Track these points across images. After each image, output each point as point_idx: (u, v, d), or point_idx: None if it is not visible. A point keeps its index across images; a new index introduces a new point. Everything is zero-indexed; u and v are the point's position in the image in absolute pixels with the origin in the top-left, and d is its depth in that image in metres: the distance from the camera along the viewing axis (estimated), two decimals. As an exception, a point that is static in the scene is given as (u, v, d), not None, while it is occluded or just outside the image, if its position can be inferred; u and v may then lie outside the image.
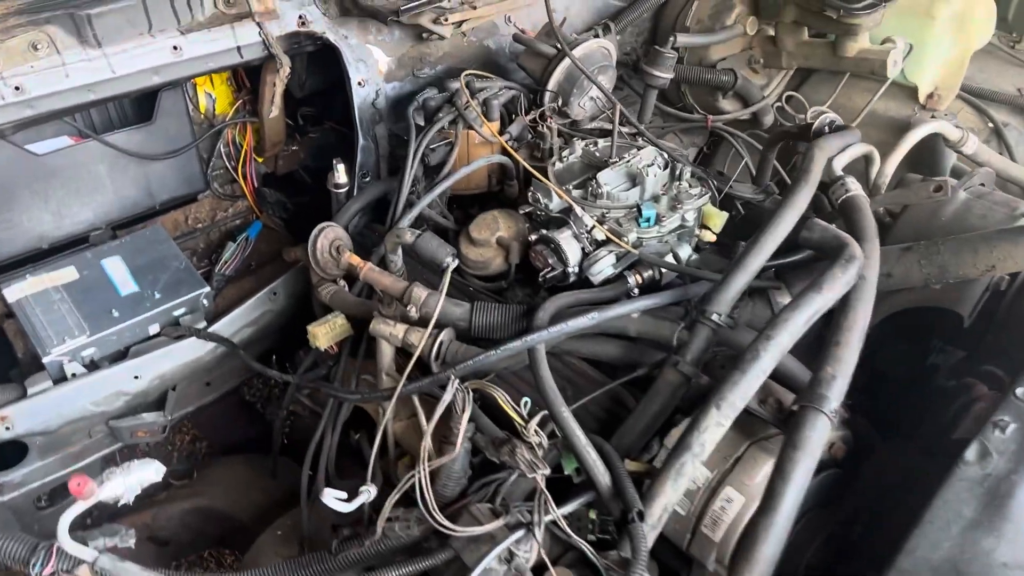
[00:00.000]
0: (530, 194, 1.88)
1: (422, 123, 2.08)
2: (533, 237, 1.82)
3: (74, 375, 2.03)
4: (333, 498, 1.52)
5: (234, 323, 2.18)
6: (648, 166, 1.82)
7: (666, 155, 1.91)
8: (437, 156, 2.04)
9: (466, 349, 1.66)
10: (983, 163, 2.14)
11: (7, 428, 1.96)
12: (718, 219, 1.86)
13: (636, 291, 1.74)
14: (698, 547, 1.45)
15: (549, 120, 2.15)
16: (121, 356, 2.09)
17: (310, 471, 1.90)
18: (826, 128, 1.98)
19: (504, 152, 2.07)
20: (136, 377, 2.08)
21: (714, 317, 1.50)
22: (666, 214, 1.78)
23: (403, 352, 1.72)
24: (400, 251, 1.84)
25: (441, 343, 1.63)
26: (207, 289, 2.18)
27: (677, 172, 1.87)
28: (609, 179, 1.83)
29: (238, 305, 2.31)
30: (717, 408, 1.37)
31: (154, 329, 2.14)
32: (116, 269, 2.21)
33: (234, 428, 2.57)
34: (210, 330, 2.14)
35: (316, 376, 1.97)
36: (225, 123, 2.41)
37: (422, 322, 1.68)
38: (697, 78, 2.39)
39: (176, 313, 2.16)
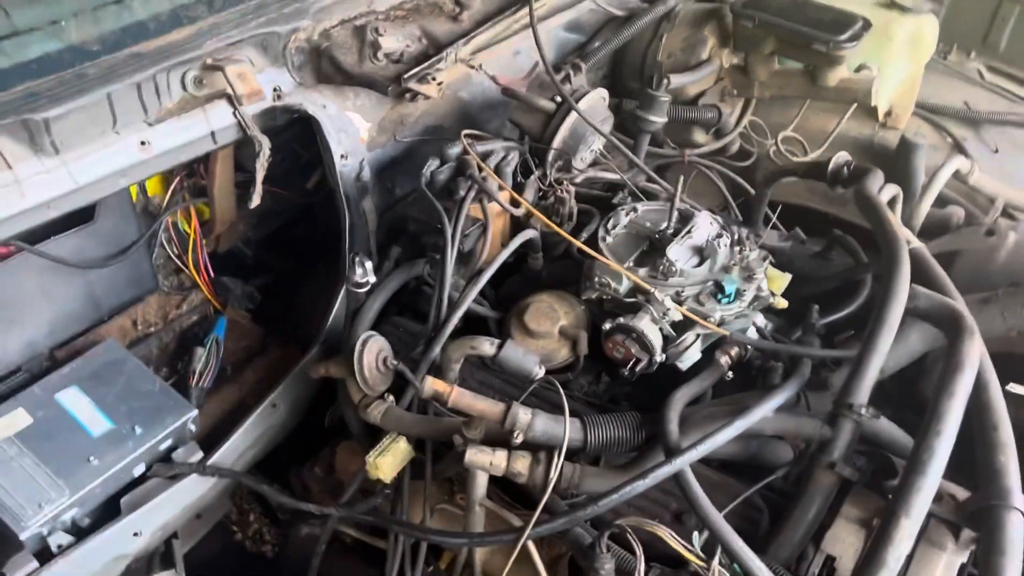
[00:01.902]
0: (596, 278, 1.73)
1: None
2: (607, 326, 1.67)
3: (60, 547, 1.68)
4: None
5: (236, 448, 1.89)
6: (717, 237, 1.73)
7: (720, 219, 1.82)
8: (470, 241, 1.84)
9: (584, 471, 1.50)
10: (986, 192, 2.21)
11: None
12: (781, 281, 1.79)
13: (730, 374, 1.65)
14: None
15: (567, 183, 2.00)
16: (108, 511, 1.76)
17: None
18: (844, 169, 1.96)
19: (525, 221, 1.91)
20: (136, 534, 1.75)
21: (861, 411, 1.44)
22: (743, 286, 1.69)
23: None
24: (459, 361, 1.65)
25: (557, 469, 1.47)
26: (194, 412, 1.87)
27: (738, 237, 1.78)
28: (678, 255, 1.71)
29: (224, 419, 2.02)
30: (907, 517, 1.31)
31: (139, 470, 1.81)
32: (76, 403, 1.84)
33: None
34: (212, 461, 1.84)
35: (368, 507, 1.73)
36: (167, 210, 2.07)
37: (526, 445, 1.50)
38: (684, 117, 2.32)
39: (162, 447, 1.84)
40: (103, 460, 1.75)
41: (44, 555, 1.65)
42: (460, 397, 1.51)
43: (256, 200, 1.88)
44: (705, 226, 1.79)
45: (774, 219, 2.22)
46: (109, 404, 1.84)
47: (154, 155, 1.69)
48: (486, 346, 1.58)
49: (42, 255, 1.82)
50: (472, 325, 1.85)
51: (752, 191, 2.48)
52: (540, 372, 1.59)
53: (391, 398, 1.70)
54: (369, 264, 1.75)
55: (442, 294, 1.74)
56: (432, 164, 1.93)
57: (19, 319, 1.86)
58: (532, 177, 2.01)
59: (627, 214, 1.86)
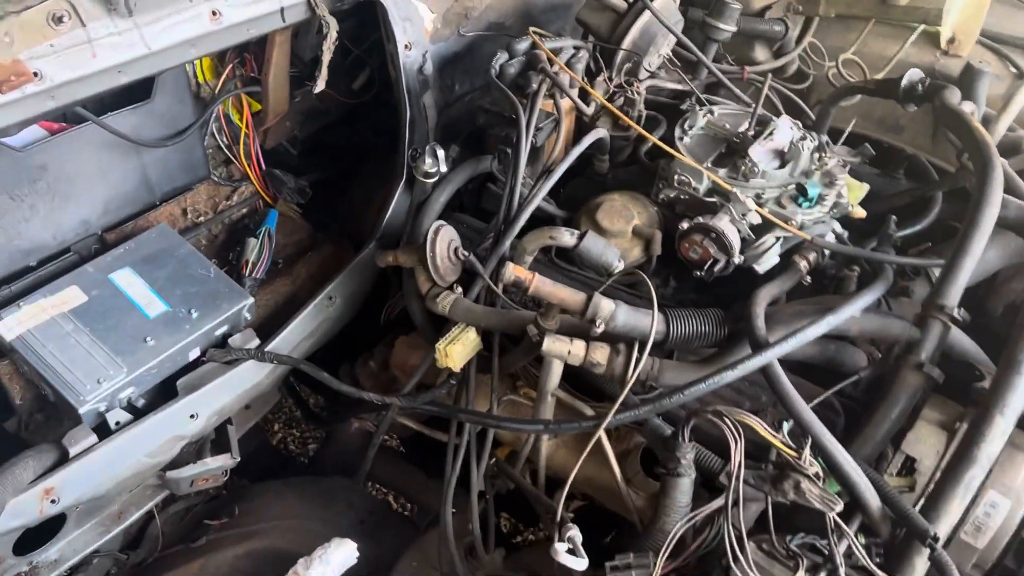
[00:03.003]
0: (675, 176, 1.69)
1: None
2: (685, 225, 1.64)
3: (118, 424, 1.66)
4: (566, 554, 1.32)
5: (292, 337, 1.86)
6: (801, 139, 1.69)
7: (800, 125, 1.77)
8: (542, 136, 1.79)
9: (663, 365, 1.48)
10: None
11: (53, 501, 1.57)
12: (859, 191, 1.76)
13: (808, 278, 1.62)
14: (955, 553, 1.38)
15: (637, 85, 1.95)
16: (163, 393, 1.73)
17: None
18: (919, 86, 1.92)
19: (610, 121, 1.86)
20: (193, 416, 1.73)
21: (952, 313, 1.42)
22: (825, 191, 1.66)
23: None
24: (533, 253, 1.61)
25: (638, 362, 1.44)
26: (250, 300, 1.83)
27: (819, 143, 1.74)
28: (760, 156, 1.67)
29: (276, 312, 1.99)
30: (1002, 415, 1.29)
31: (194, 354, 1.78)
32: (131, 285, 1.80)
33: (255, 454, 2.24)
34: (269, 348, 1.81)
35: (433, 396, 1.70)
36: (220, 97, 2.01)
37: (604, 336, 1.47)
38: (751, 29, 2.26)
39: (218, 333, 1.81)
40: (160, 341, 1.72)
41: (103, 431, 1.63)
42: (542, 284, 1.47)
43: (321, 84, 1.82)
44: (786, 130, 1.74)
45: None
46: (164, 287, 1.81)
47: (224, 27, 1.62)
48: (566, 236, 1.55)
49: (105, 127, 1.77)
50: (537, 225, 1.81)
51: (810, 112, 2.43)
52: (620, 265, 1.56)
53: (459, 289, 1.67)
54: (441, 153, 1.71)
55: (514, 186, 1.69)
56: (501, 57, 1.87)
57: (74, 196, 1.81)
58: (600, 77, 1.95)
59: (704, 115, 1.81)
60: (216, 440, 1.81)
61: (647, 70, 2.01)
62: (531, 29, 1.92)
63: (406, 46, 1.91)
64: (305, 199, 2.14)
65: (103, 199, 1.86)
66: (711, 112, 1.82)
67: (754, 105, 1.73)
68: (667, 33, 2.03)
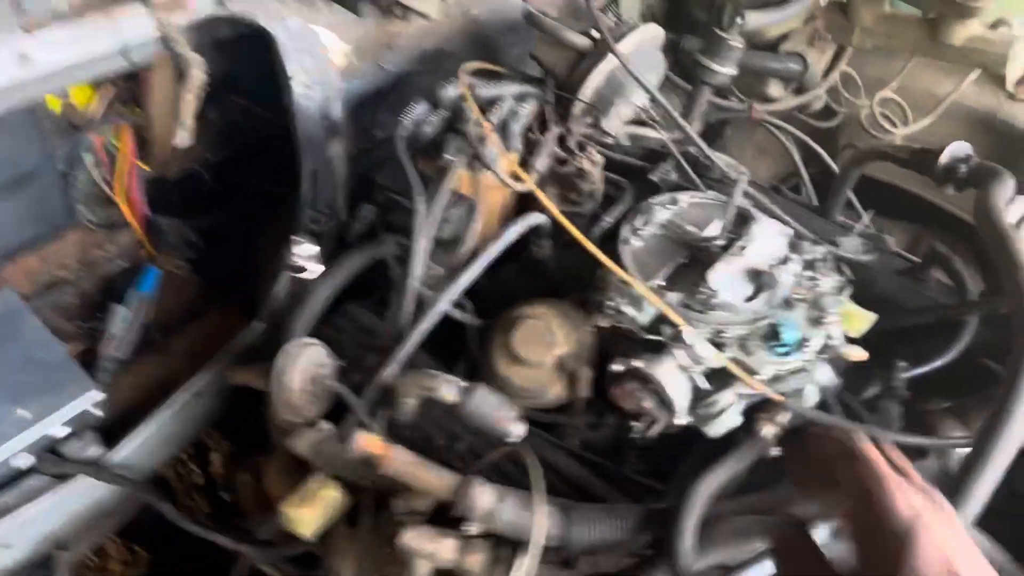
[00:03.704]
0: (609, 299, 1.29)
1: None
2: (617, 367, 1.25)
3: (-95, 559, 1.35)
4: None
5: (147, 443, 1.52)
6: (781, 263, 1.27)
7: (790, 229, 1.36)
8: (451, 228, 1.40)
9: (558, 579, 1.11)
10: None
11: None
12: (862, 322, 1.34)
13: (776, 450, 1.22)
14: None
15: (591, 151, 1.53)
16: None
17: None
18: (961, 166, 1.48)
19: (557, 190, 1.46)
20: (7, 547, 1.41)
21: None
22: (809, 332, 1.24)
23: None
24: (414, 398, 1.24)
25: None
26: (98, 397, 1.49)
27: (811, 259, 1.33)
28: (723, 281, 1.26)
29: (144, 400, 1.64)
30: None
31: (23, 462, 1.45)
32: (-49, 372, 1.47)
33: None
34: (112, 457, 1.47)
35: (286, 555, 1.36)
36: (94, 126, 1.64)
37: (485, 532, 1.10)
38: (760, 67, 1.81)
39: (57, 435, 1.47)
40: (-27, 450, 1.39)
41: None
42: (398, 463, 1.10)
43: (184, 139, 1.44)
44: (766, 239, 1.33)
45: (852, 198, 1.76)
46: (-6, 375, 1.47)
47: (36, 76, 1.25)
48: (446, 390, 1.17)
49: None
50: (451, 330, 1.43)
51: (831, 162, 1.99)
52: (519, 432, 1.17)
53: (327, 426, 1.30)
54: (308, 246, 1.33)
55: (403, 299, 1.31)
56: (416, 110, 1.47)
57: None
58: (549, 135, 1.54)
59: (664, 207, 1.39)
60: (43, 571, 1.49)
61: (608, 130, 1.59)
62: (467, 67, 1.52)
63: (305, 85, 1.52)
64: (194, 254, 1.78)
65: (-78, 262, 1.52)
66: (675, 203, 1.40)
67: (729, 199, 1.30)
68: (647, 75, 1.60)
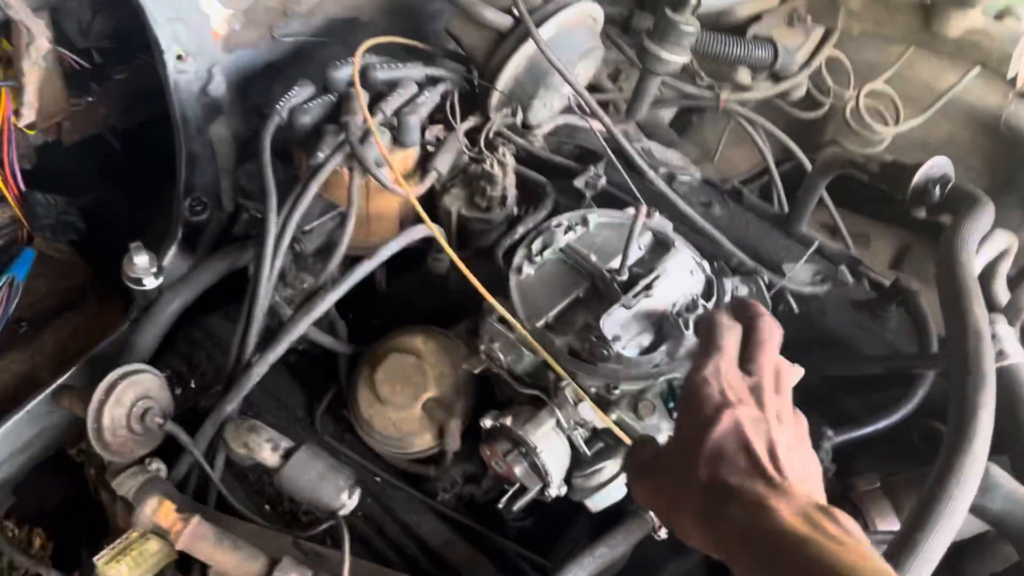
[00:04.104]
0: (483, 338, 1.09)
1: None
2: (487, 422, 1.06)
3: None
4: None
5: (-6, 453, 1.36)
6: (686, 310, 1.06)
7: (705, 263, 1.15)
8: (316, 240, 1.20)
9: None
10: None
11: None
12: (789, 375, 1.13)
13: (663, 533, 1.04)
14: None
15: (502, 150, 1.32)
16: None
17: None
18: (935, 189, 1.25)
19: (464, 195, 1.26)
20: None
21: None
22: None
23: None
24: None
25: None
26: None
27: (731, 296, 1.12)
28: (619, 326, 1.06)
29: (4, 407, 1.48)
30: None
31: None
32: None
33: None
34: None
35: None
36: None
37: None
38: (723, 55, 1.57)
39: None
40: None
41: None
42: (195, 540, 0.93)
43: (27, 117, 1.25)
44: (677, 278, 1.12)
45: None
46: None
47: None
48: (266, 452, 0.99)
49: None
50: (324, 359, 1.25)
51: (805, 161, 1.76)
52: (349, 504, 1.00)
53: (158, 466, 1.13)
54: (145, 258, 1.14)
55: (249, 321, 1.12)
56: (297, 94, 1.27)
57: None
58: (455, 131, 1.33)
59: (570, 228, 1.18)
60: None
61: (530, 127, 1.38)
62: (368, 43, 1.31)
63: (179, 57, 1.32)
64: (78, 234, 1.60)
65: None
66: (584, 223, 1.18)
67: (630, 236, 1.08)
68: (576, 62, 1.38)
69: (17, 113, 1.49)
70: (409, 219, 1.33)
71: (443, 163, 1.30)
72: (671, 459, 0.78)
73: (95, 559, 1.07)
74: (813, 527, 0.65)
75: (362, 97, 1.22)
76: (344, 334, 1.25)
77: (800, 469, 0.74)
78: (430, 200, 1.35)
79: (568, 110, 1.48)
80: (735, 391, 0.76)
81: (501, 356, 1.08)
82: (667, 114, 2.00)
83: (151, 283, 1.16)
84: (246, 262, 1.26)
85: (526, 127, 1.44)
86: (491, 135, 1.37)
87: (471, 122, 1.38)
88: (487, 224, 1.34)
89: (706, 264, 1.16)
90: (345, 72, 1.29)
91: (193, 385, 1.22)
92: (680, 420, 0.79)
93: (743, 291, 1.15)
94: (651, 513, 1.02)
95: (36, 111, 1.25)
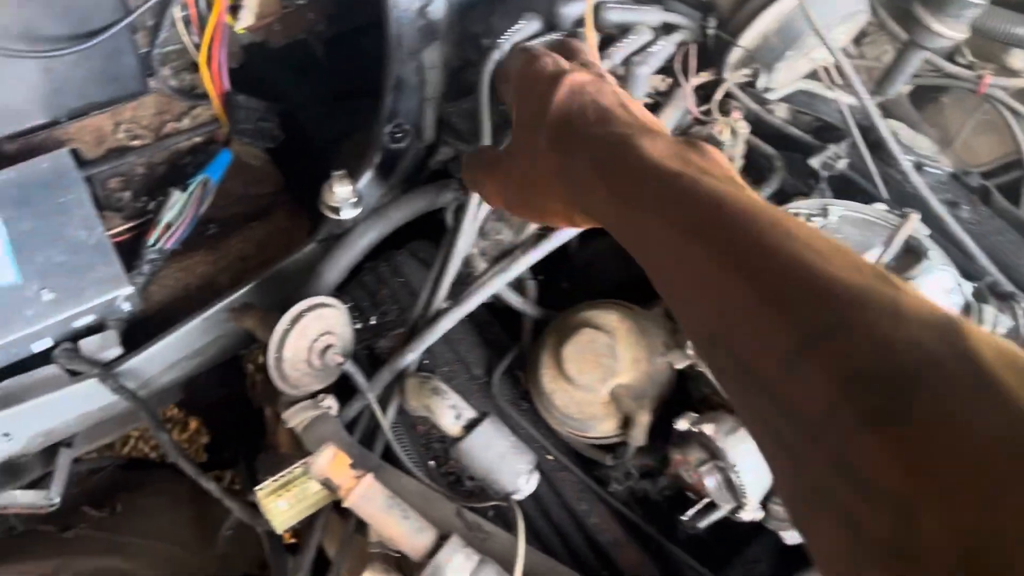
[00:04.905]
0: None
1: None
2: (682, 425, 0.95)
3: (-94, 428, 1.28)
4: None
5: (165, 355, 1.37)
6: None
7: (965, 283, 0.98)
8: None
9: None
10: None
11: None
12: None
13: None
14: None
15: (735, 115, 1.18)
16: (-9, 387, 1.32)
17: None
18: None
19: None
20: (5, 435, 1.32)
21: None
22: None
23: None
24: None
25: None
26: (128, 290, 1.35)
27: (980, 320, 0.96)
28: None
29: (184, 299, 1.50)
30: None
31: (42, 345, 1.34)
32: (-15, 233, 1.36)
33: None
34: (130, 364, 1.34)
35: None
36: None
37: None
38: (1004, 34, 1.34)
39: (79, 324, 1.35)
40: (-10, 324, 1.29)
41: None
42: (365, 501, 0.88)
43: (244, 20, 1.21)
44: (932, 291, 0.96)
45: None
46: (25, 246, 1.35)
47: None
48: (447, 418, 0.92)
49: None
50: (507, 316, 1.17)
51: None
52: (526, 489, 0.92)
53: (330, 403, 1.09)
54: (348, 188, 1.08)
55: (444, 271, 1.05)
56: (521, 28, 1.16)
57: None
58: (686, 86, 1.20)
59: (807, 218, 1.04)
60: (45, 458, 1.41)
61: (770, 91, 1.22)
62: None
63: (403, -28, 1.24)
64: (271, 143, 1.57)
65: (-27, 108, 1.39)
66: (822, 214, 1.03)
67: (894, 232, 0.93)
68: (835, 25, 1.21)
69: (235, 11, 1.47)
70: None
71: (666, 121, 1.17)
72: (517, 142, 0.73)
73: (256, 488, 1.04)
74: (685, 163, 0.60)
75: (594, 40, 1.10)
76: (533, 295, 1.16)
77: (655, 120, 0.69)
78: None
79: (811, 76, 1.32)
80: (567, 64, 0.74)
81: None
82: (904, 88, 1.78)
83: (349, 214, 1.11)
84: (444, 203, 1.18)
85: (760, 90, 1.28)
86: (721, 98, 1.22)
87: (702, 78, 1.23)
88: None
89: (966, 284, 0.99)
90: (575, 8, 1.17)
91: (374, 322, 1.17)
92: (518, 104, 0.75)
93: (1004, 323, 0.98)
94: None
95: (255, 14, 1.20)
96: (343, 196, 1.11)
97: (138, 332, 1.40)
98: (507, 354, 1.13)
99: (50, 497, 1.36)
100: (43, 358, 1.34)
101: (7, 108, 1.41)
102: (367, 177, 1.37)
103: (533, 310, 1.14)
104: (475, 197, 1.05)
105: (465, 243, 1.04)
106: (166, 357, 1.36)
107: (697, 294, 0.54)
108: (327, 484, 0.90)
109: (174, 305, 1.47)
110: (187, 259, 1.49)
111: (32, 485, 1.43)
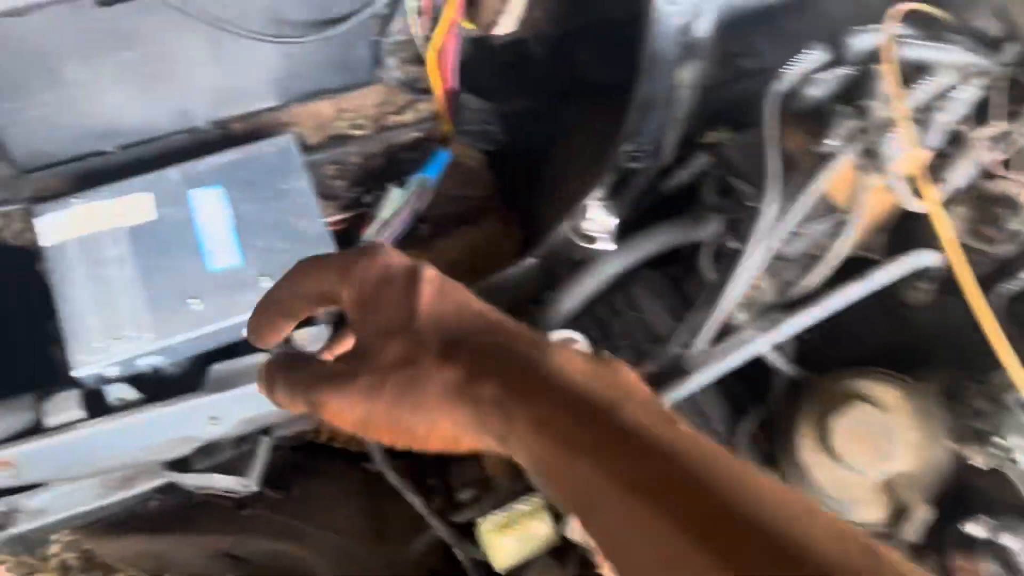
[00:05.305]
0: (994, 437, 0.86)
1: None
2: (975, 531, 0.84)
3: (121, 402, 1.28)
4: None
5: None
6: None
7: None
8: (803, 244, 1.01)
9: None
10: None
11: (11, 477, 1.27)
12: None
13: None
14: None
15: (1041, 175, 1.05)
16: (195, 371, 1.32)
17: None
18: None
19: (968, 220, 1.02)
20: (214, 419, 1.32)
21: None
22: None
23: None
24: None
25: None
26: (342, 286, 1.32)
27: None
28: None
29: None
30: None
31: (251, 331, 1.34)
32: (210, 215, 1.36)
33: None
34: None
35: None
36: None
37: None
38: None
39: (290, 314, 1.34)
40: (207, 308, 1.29)
41: (96, 403, 1.27)
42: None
43: (504, 26, 1.14)
44: None
45: None
46: (248, 230, 1.35)
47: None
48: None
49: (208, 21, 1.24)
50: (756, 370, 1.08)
51: None
52: None
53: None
54: (611, 218, 1.01)
55: (706, 319, 0.97)
56: (807, 59, 1.06)
57: (174, 77, 1.35)
58: (982, 134, 1.07)
59: None
60: (244, 451, 1.40)
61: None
62: (898, 7, 1.07)
63: (670, -10, 1.15)
64: (492, 145, 1.51)
65: (212, 89, 1.38)
66: None
67: None
68: None
69: (488, 22, 1.42)
70: (883, 226, 1.11)
71: (960, 175, 1.05)
72: (377, 353, 0.55)
73: (480, 521, 1.00)
74: (610, 388, 0.48)
75: (894, 80, 0.99)
76: (790, 352, 1.06)
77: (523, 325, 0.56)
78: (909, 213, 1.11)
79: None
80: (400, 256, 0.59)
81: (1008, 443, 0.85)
82: None
83: (605, 246, 1.03)
84: (702, 238, 1.09)
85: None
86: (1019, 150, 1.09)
87: (997, 128, 1.10)
88: (983, 258, 1.08)
89: None
90: (866, 41, 1.06)
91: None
92: (363, 307, 0.57)
93: None
94: None
95: (516, 19, 1.14)
96: (604, 226, 1.03)
97: (340, 325, 1.37)
98: (752, 411, 1.04)
99: (247, 484, 1.35)
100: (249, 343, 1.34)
101: (243, 89, 1.40)
102: (595, 196, 1.30)
103: (789, 368, 1.04)
104: (755, 240, 0.96)
105: (736, 293, 0.95)
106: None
107: (649, 560, 0.44)
108: (582, 547, 0.83)
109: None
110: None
111: (221, 467, 1.44)
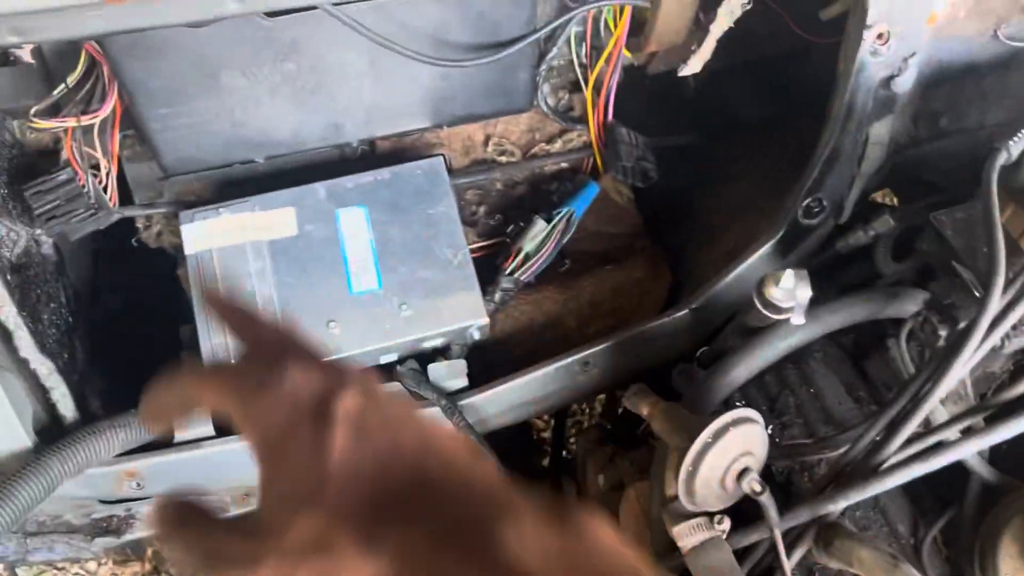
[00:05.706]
0: None
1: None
2: None
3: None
4: None
5: (508, 397, 1.28)
6: None
7: None
8: (1018, 341, 0.90)
9: None
10: None
11: (138, 485, 1.25)
12: None
13: None
14: None
15: None
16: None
17: None
18: None
19: None
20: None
21: None
22: None
23: None
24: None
25: None
26: (484, 321, 1.27)
27: None
28: None
29: (526, 332, 1.40)
30: None
31: (388, 358, 1.29)
32: (354, 235, 1.33)
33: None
34: (474, 399, 1.26)
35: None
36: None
37: None
38: None
39: (429, 345, 1.29)
40: (345, 333, 1.25)
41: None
42: None
43: (692, 66, 1.07)
44: None
45: None
46: (389, 253, 1.31)
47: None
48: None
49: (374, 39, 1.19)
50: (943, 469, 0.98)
51: None
52: None
53: (724, 527, 0.95)
54: (802, 288, 0.92)
55: (904, 417, 0.87)
56: (1030, 138, 0.95)
57: (330, 91, 1.30)
58: None
59: None
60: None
61: None
62: None
63: (879, 36, 1.06)
64: (644, 182, 1.43)
65: (367, 106, 1.34)
66: None
67: None
68: None
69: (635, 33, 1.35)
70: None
71: None
72: (282, 534, 0.43)
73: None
74: (574, 568, 0.40)
75: None
76: (985, 452, 0.96)
77: (482, 455, 0.53)
78: None
79: None
80: (323, 375, 0.49)
81: None
82: None
83: (797, 320, 0.94)
84: (896, 315, 1.00)
85: None
86: None
87: None
88: None
89: None
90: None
91: (768, 432, 1.01)
92: (262, 463, 0.47)
93: None
94: None
95: (702, 62, 1.06)
96: (801, 298, 0.94)
97: (473, 358, 1.32)
98: (941, 516, 0.94)
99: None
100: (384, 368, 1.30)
101: (398, 108, 1.36)
102: (765, 249, 1.21)
103: (987, 472, 0.94)
104: (978, 334, 0.85)
105: (945, 391, 0.86)
106: (510, 398, 1.27)
107: None
108: None
109: (516, 338, 1.39)
110: (537, 293, 1.40)
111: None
